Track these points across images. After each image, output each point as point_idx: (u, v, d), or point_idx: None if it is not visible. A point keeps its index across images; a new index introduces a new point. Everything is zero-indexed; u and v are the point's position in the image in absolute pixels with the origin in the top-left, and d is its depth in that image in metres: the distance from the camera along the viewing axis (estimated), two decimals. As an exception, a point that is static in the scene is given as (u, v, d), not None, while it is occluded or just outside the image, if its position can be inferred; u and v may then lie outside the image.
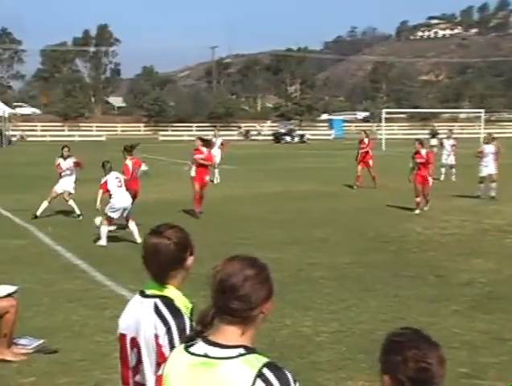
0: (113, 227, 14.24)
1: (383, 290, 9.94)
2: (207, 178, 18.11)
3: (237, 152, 44.03)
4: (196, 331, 2.52)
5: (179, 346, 2.59)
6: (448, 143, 28.26)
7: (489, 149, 21.55)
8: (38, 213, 16.87)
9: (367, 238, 14.27)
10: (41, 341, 7.60)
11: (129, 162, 15.52)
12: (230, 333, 2.42)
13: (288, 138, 68.38)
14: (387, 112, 66.88)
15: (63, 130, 76.86)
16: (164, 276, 3.16)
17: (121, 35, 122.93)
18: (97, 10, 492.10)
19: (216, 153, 27.13)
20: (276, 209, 18.64)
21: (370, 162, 25.06)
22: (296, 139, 68.54)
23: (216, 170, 26.46)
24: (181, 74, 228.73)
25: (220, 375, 2.35)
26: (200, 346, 2.44)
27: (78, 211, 17.17)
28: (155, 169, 30.25)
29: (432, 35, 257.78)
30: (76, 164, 17.71)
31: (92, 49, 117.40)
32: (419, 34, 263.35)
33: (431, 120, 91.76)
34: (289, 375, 2.36)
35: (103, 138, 69.76)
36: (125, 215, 13.88)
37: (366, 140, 25.56)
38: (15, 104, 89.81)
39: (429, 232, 14.98)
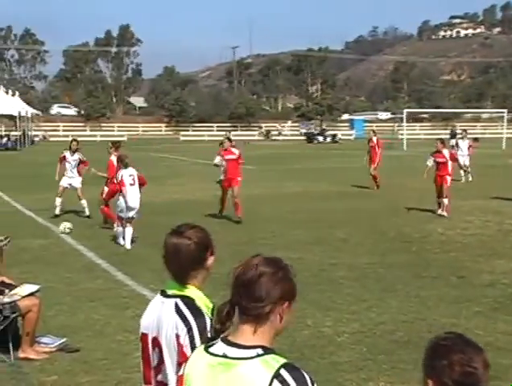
0: (121, 228, 13.59)
1: (404, 291, 9.89)
2: (239, 178, 17.22)
3: (258, 152, 44.06)
4: (216, 329, 2.53)
5: (200, 347, 2.60)
6: (463, 144, 27.60)
7: None
8: (56, 212, 17.12)
9: (388, 238, 14.21)
10: (63, 340, 7.66)
11: (113, 158, 14.99)
12: (247, 332, 2.42)
13: (321, 138, 68.36)
14: (409, 113, 66.57)
15: (85, 130, 77.41)
16: (185, 276, 3.17)
17: (143, 36, 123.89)
18: (118, 10, 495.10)
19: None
20: (297, 209, 18.63)
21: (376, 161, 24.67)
22: (328, 139, 68.52)
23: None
24: (202, 74, 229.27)
25: (238, 375, 2.35)
26: (219, 347, 2.45)
27: (87, 213, 17.29)
28: (177, 169, 30.41)
29: (454, 35, 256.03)
30: (82, 163, 17.82)
31: (113, 49, 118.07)
32: (441, 33, 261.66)
33: (453, 120, 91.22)
34: (307, 376, 2.35)
35: (124, 138, 70.10)
36: (130, 215, 13.28)
37: (375, 139, 25.25)
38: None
39: (451, 233, 14.88)
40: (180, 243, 3.16)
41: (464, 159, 26.59)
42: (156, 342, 3.17)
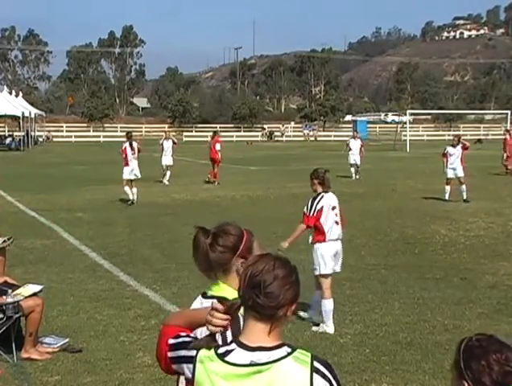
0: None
1: (407, 292, 9.88)
2: None
3: (261, 153, 44.03)
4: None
5: (208, 353, 2.46)
6: (354, 144, 28.88)
7: None
8: (132, 199, 19.49)
9: (391, 240, 14.19)
10: (66, 340, 7.66)
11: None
12: (262, 333, 2.39)
13: None
14: (411, 114, 66.49)
15: (88, 131, 77.48)
16: (214, 276, 3.05)
17: (146, 36, 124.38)
18: (122, 11, 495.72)
19: (169, 153, 26.48)
20: (300, 210, 18.55)
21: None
22: None
23: (169, 172, 26.35)
24: (205, 75, 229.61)
25: (276, 378, 2.33)
26: (240, 355, 2.39)
27: (131, 197, 19.52)
28: (179, 169, 30.40)
29: (458, 36, 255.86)
30: (137, 149, 20.05)
31: (117, 50, 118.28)
32: (445, 34, 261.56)
33: (456, 121, 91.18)
34: (331, 364, 2.47)
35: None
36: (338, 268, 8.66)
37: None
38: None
39: (454, 234, 14.85)
40: (203, 242, 3.09)
41: (354, 158, 28.47)
42: None
